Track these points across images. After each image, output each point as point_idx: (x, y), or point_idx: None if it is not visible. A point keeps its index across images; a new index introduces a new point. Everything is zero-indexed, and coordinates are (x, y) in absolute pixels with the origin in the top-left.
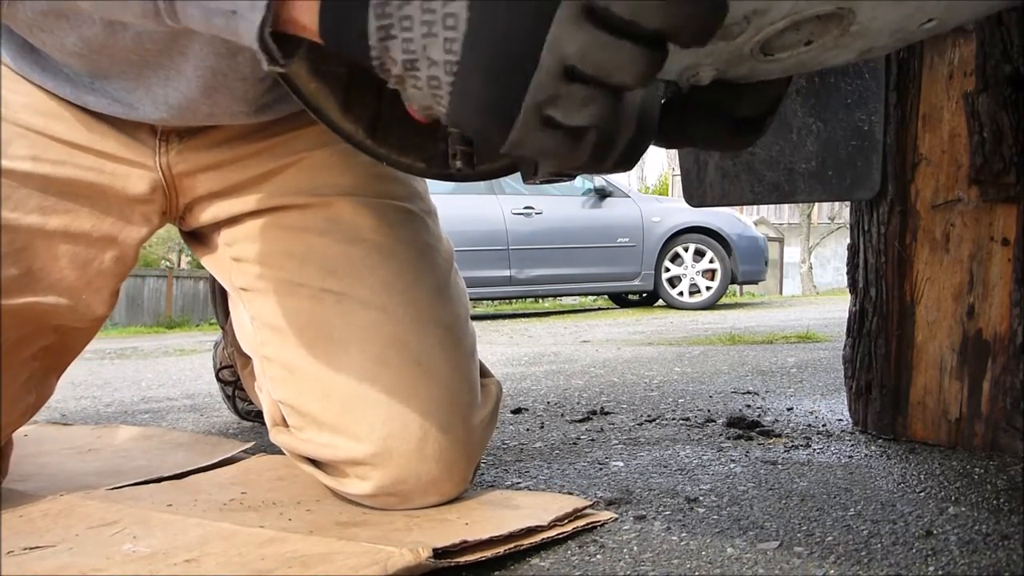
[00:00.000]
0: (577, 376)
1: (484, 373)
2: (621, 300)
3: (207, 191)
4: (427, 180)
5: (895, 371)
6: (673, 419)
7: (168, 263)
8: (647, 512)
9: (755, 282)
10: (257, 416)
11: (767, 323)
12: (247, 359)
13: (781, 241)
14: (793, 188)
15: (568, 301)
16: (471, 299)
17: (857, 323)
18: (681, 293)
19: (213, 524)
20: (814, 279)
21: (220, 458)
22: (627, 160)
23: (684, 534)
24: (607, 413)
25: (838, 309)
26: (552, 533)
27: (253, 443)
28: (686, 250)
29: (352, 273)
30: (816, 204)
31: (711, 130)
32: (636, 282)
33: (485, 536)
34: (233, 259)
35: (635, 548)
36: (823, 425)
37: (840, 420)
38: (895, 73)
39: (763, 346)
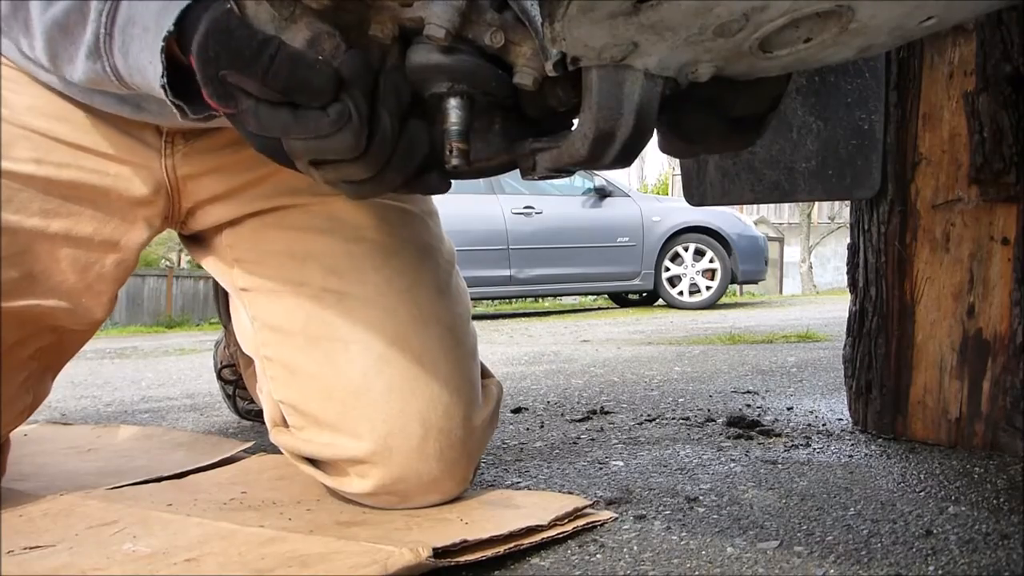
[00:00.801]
0: (577, 376)
1: (485, 374)
2: (621, 300)
3: (210, 195)
4: None
5: (895, 370)
6: (673, 418)
7: (168, 263)
8: (647, 511)
9: (755, 281)
10: (257, 415)
11: (767, 322)
12: (250, 360)
13: (781, 240)
14: (793, 187)
15: (568, 301)
16: (471, 299)
17: (857, 322)
18: (681, 293)
19: (213, 524)
20: (814, 279)
21: (220, 458)
22: (626, 156)
23: (684, 533)
24: (607, 412)
25: (838, 309)
26: (552, 533)
27: (253, 443)
28: (686, 249)
29: (354, 272)
30: (816, 203)
31: (709, 126)
32: (636, 282)
33: (485, 535)
34: (234, 260)
35: (635, 547)
36: (823, 424)
37: (840, 419)
38: (895, 72)
39: (763, 345)
